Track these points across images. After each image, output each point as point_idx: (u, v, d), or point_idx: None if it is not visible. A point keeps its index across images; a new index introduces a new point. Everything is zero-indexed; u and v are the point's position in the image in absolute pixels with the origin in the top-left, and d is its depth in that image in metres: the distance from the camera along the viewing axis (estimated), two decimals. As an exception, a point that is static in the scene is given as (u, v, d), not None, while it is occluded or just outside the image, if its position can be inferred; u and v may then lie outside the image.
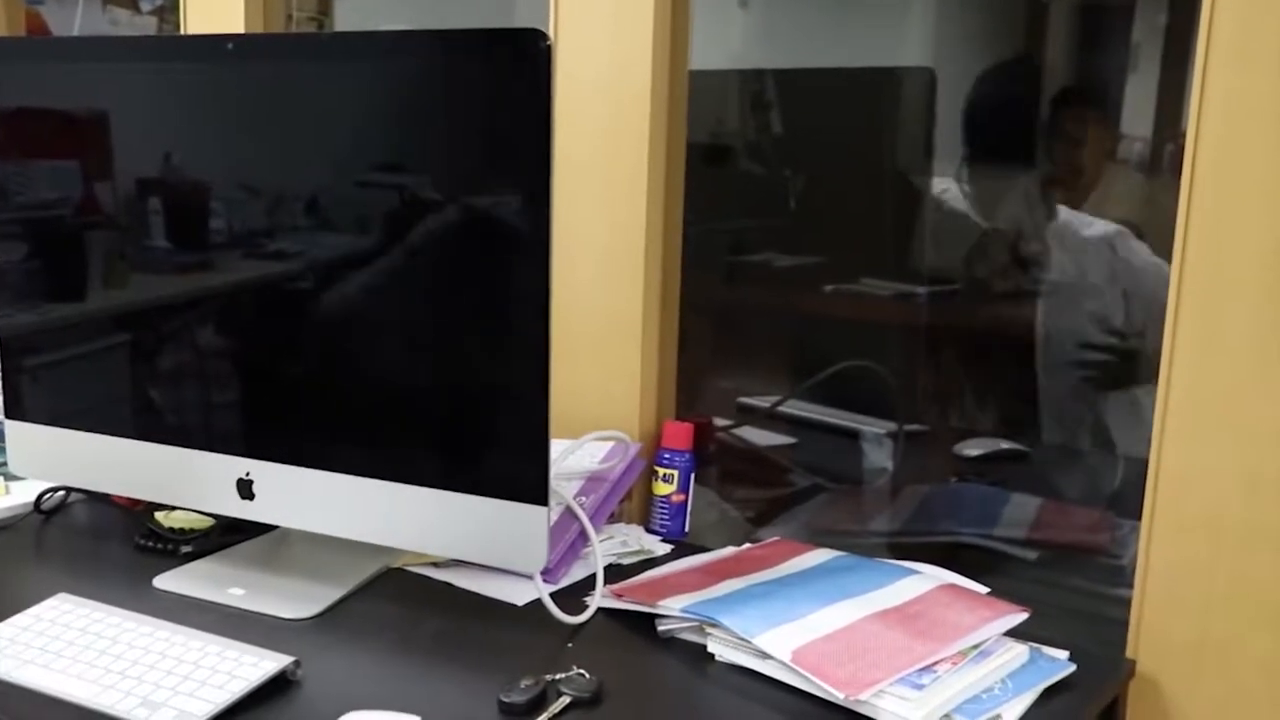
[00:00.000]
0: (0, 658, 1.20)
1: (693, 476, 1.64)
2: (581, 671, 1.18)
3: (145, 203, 1.41)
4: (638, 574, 1.43)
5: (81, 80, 1.41)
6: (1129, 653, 1.33)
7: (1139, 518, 1.32)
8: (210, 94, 1.34)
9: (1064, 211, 2.22)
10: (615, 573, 1.45)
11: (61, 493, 1.66)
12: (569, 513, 1.47)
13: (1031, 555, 1.89)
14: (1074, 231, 2.22)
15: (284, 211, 1.33)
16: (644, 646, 1.28)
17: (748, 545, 1.54)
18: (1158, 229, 2.09)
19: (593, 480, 1.54)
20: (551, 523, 1.27)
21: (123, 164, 1.41)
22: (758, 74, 2.41)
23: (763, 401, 2.31)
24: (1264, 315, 1.21)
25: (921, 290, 2.33)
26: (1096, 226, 2.20)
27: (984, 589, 1.37)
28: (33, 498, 1.63)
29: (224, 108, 1.34)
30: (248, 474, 1.39)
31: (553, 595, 1.33)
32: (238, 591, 1.38)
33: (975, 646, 1.21)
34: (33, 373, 1.51)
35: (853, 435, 2.24)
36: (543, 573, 1.34)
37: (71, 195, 1.45)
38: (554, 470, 1.32)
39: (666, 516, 1.62)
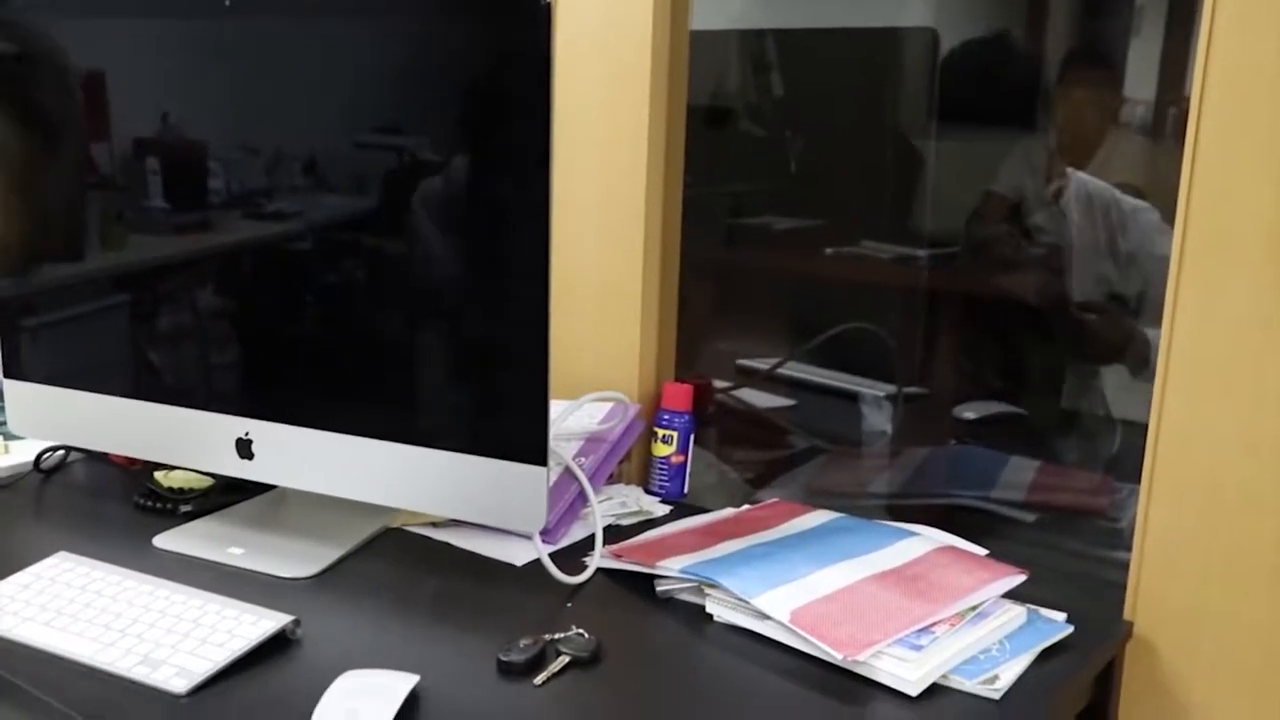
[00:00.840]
0: (1, 615, 1.20)
1: (692, 438, 1.64)
2: (580, 631, 1.19)
3: (143, 162, 1.40)
4: (637, 535, 1.43)
5: (77, 37, 1.40)
6: (1126, 615, 1.33)
7: (1138, 481, 1.32)
8: (208, 52, 1.33)
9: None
10: (614, 533, 1.45)
11: (61, 452, 1.66)
12: (568, 473, 1.47)
13: (1030, 518, 1.89)
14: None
15: (282, 172, 1.33)
16: (643, 607, 1.29)
17: (747, 506, 1.54)
18: (1160, 192, 2.08)
19: (592, 441, 1.54)
20: (551, 483, 1.27)
21: (120, 123, 1.40)
22: (759, 34, 2.39)
23: (762, 363, 2.31)
24: (1266, 279, 1.21)
25: (922, 253, 2.33)
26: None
27: (982, 551, 1.37)
28: (32, 457, 1.63)
29: (222, 66, 1.33)
30: (247, 434, 1.39)
31: (552, 555, 1.33)
32: (237, 551, 1.38)
33: (973, 608, 1.21)
34: (32, 332, 1.51)
35: (852, 397, 2.25)
36: (542, 533, 1.34)
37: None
38: (553, 431, 1.32)
39: (665, 477, 1.62)
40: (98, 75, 1.40)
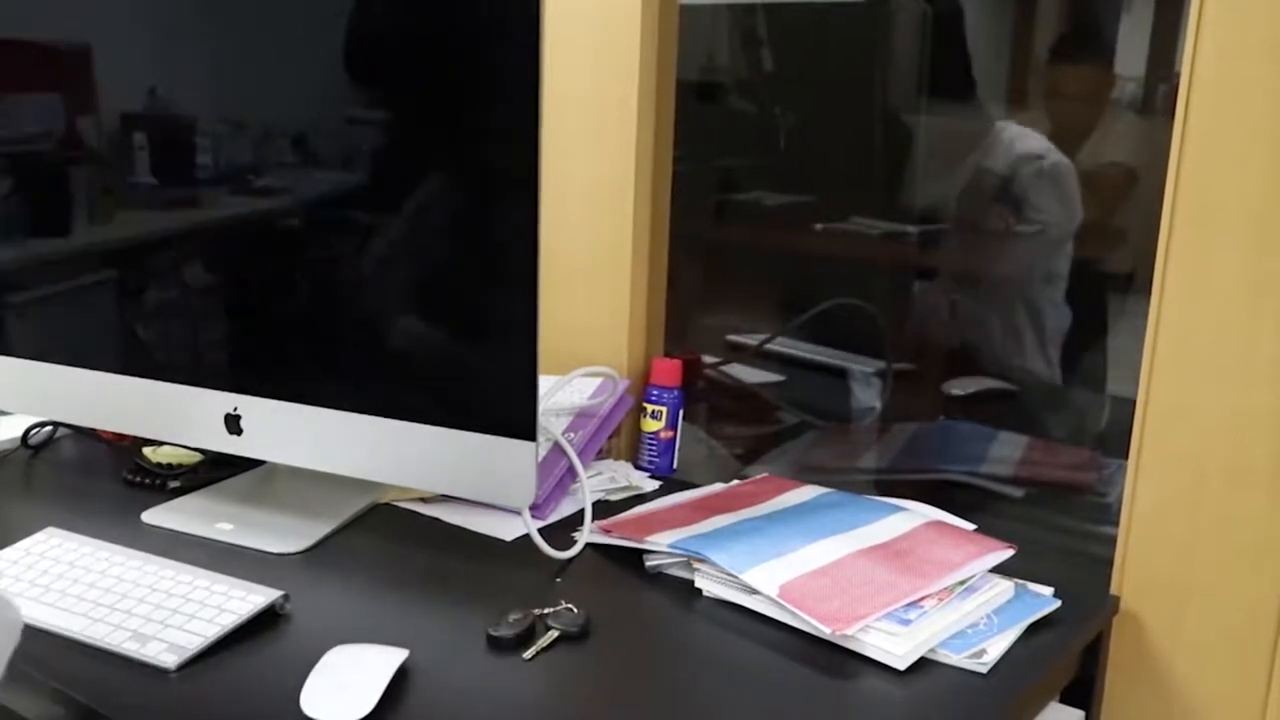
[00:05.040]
0: (-11, 591, 1.20)
1: (681, 413, 1.64)
2: (569, 606, 1.19)
3: (130, 137, 1.39)
4: (626, 510, 1.44)
5: (62, 9, 1.39)
6: (1114, 589, 1.34)
7: (1125, 456, 1.32)
8: (194, 25, 1.33)
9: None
10: (603, 509, 1.45)
11: (49, 428, 1.65)
12: (557, 449, 1.47)
13: (1018, 493, 1.89)
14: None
15: (271, 147, 1.32)
16: (632, 582, 1.29)
17: (736, 482, 1.54)
18: (1150, 169, 2.08)
19: (581, 416, 1.54)
20: (540, 458, 1.27)
21: (106, 97, 1.39)
22: (749, 9, 2.38)
23: (751, 339, 2.31)
24: (1254, 254, 1.21)
25: (912, 229, 2.33)
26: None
27: (971, 526, 1.37)
28: (20, 433, 1.63)
29: (209, 40, 1.32)
30: (235, 409, 1.38)
31: (541, 531, 1.33)
32: (226, 526, 1.38)
33: (962, 582, 1.21)
34: (19, 308, 1.50)
35: (841, 373, 2.25)
36: (531, 508, 1.34)
37: (54, 129, 1.43)
38: (542, 406, 1.32)
39: (655, 453, 1.62)
40: (84, 48, 1.39)
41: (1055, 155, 2.19)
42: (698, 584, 1.26)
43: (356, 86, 1.27)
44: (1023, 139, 2.23)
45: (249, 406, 1.38)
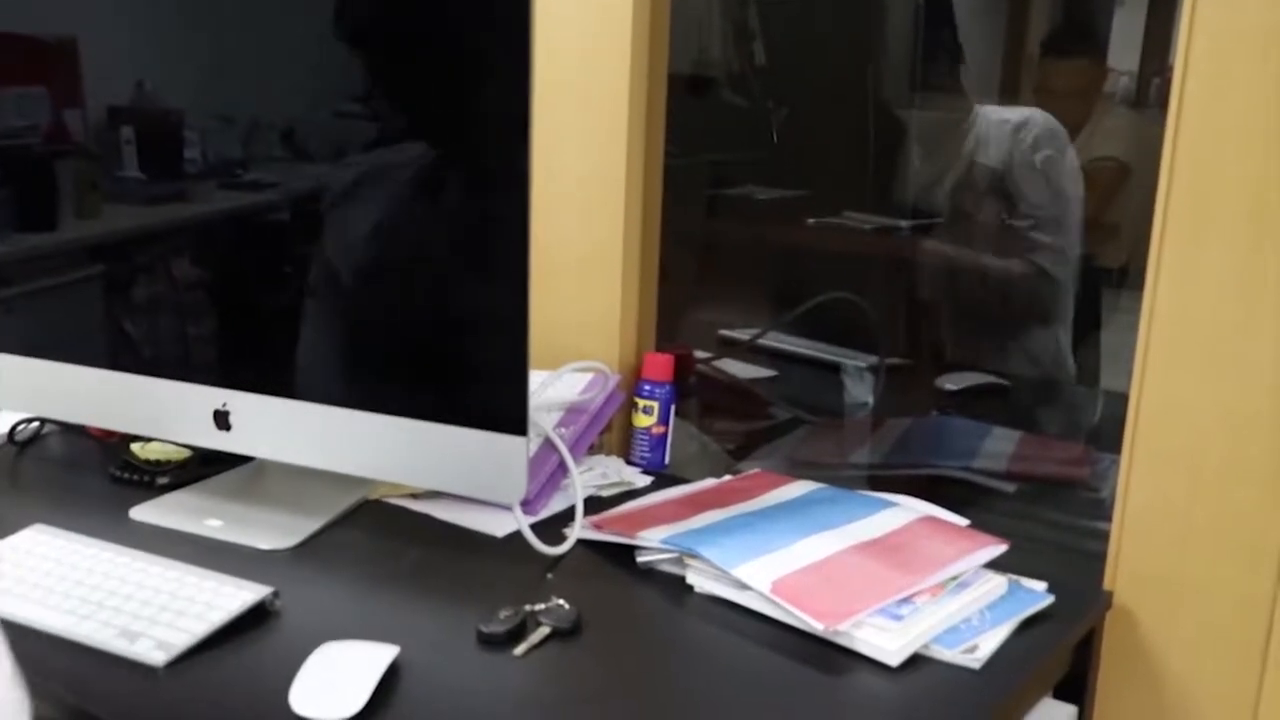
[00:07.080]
0: (-24, 588, 1.19)
1: (673, 408, 1.63)
2: (561, 602, 1.18)
3: (117, 132, 1.38)
4: (617, 506, 1.43)
5: (48, 2, 1.38)
6: (1107, 585, 1.33)
7: (1118, 451, 1.32)
8: (182, 18, 1.32)
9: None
10: (595, 504, 1.45)
11: (36, 424, 1.64)
12: (549, 444, 1.46)
13: (1011, 488, 1.89)
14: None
15: (260, 141, 1.31)
16: (623, 578, 1.28)
17: (728, 477, 1.54)
18: (1144, 163, 2.08)
19: (572, 412, 1.54)
20: (531, 454, 1.27)
21: (93, 91, 1.38)
22: (741, 1, 2.38)
23: (743, 334, 2.30)
24: (1248, 250, 1.20)
25: (904, 224, 2.32)
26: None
27: (964, 521, 1.37)
28: (6, 429, 1.62)
29: (197, 33, 1.32)
30: (224, 405, 1.37)
31: (532, 527, 1.33)
32: (215, 523, 1.37)
33: (954, 578, 1.21)
34: (6, 303, 1.49)
35: (834, 368, 2.24)
36: (522, 504, 1.33)
37: (40, 123, 1.42)
38: (533, 401, 1.32)
39: (646, 448, 1.62)
40: (70, 41, 1.38)
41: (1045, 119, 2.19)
42: (689, 580, 1.25)
43: (346, 77, 1.26)
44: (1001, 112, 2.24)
45: (238, 402, 1.37)
